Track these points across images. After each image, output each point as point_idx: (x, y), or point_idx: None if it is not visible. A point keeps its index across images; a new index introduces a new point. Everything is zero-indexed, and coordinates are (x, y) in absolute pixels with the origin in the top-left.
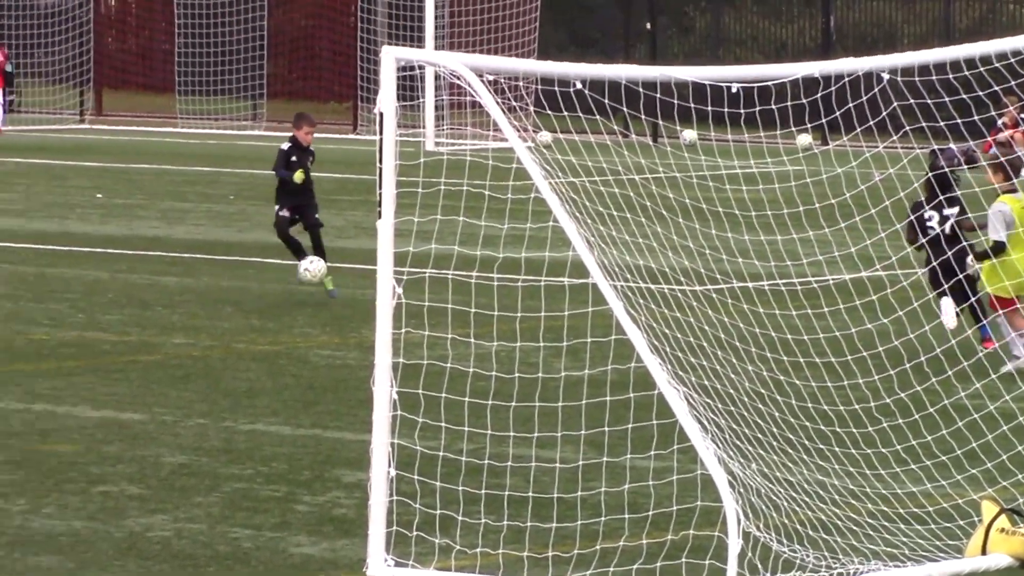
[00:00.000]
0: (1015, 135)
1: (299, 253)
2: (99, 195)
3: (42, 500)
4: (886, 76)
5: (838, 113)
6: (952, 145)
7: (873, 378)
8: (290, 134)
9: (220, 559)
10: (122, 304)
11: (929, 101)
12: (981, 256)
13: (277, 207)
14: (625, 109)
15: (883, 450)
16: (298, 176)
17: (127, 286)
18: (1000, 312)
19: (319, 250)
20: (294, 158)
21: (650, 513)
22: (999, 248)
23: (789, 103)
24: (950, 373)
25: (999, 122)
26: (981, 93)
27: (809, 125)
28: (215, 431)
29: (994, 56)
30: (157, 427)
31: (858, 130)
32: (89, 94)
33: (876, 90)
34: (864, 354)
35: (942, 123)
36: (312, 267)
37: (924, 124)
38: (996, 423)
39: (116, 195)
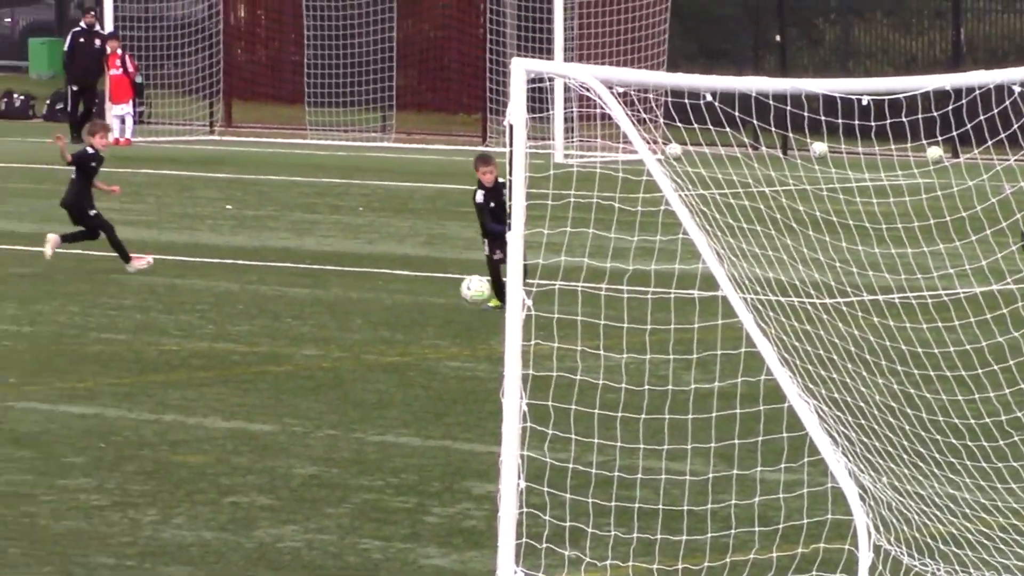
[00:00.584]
0: None
1: (500, 294)
2: (229, 206)
3: (173, 511)
4: (1017, 89)
5: (969, 126)
6: None
7: (1004, 391)
8: (416, 143)
9: (350, 570)
10: (252, 315)
11: None
12: None
13: (487, 251)
14: (755, 121)
15: (1015, 464)
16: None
17: (257, 297)
18: None
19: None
20: (492, 204)
21: (780, 526)
22: None
23: (920, 115)
24: None
25: None
26: None
27: (940, 138)
28: (345, 442)
29: None
30: (287, 438)
31: (989, 143)
32: (219, 105)
33: (1007, 103)
34: (995, 367)
35: None
36: (474, 285)
37: None
38: None
39: (246, 206)
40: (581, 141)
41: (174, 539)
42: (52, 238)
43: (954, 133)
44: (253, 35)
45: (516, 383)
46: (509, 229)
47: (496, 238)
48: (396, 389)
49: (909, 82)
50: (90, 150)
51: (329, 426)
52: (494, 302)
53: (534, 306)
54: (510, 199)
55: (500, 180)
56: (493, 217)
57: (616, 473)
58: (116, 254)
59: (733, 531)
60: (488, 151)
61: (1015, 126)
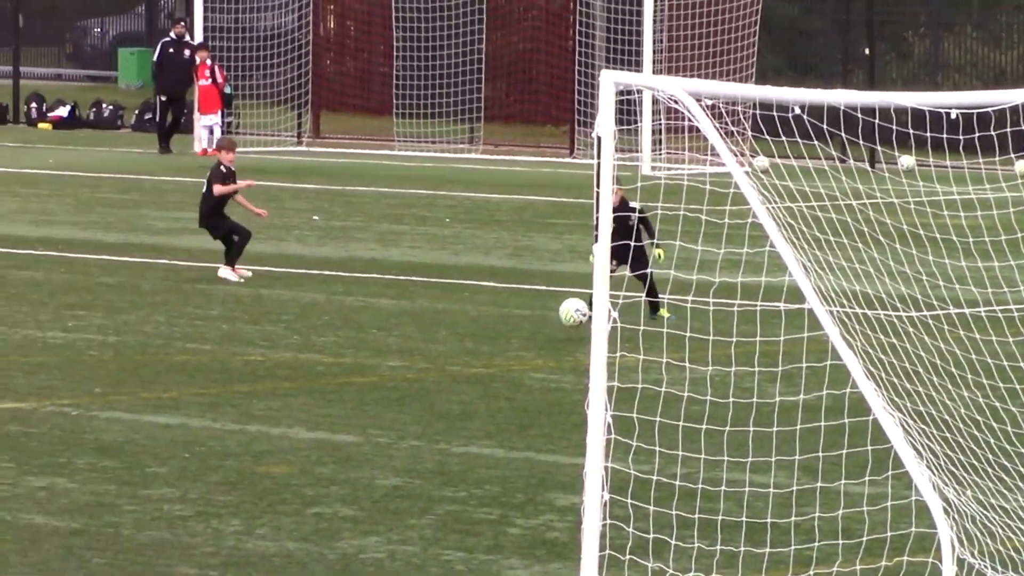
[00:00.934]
0: None
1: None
2: (316, 217)
3: (256, 521)
4: None
5: None
6: None
7: None
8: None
9: None
10: (337, 326)
11: None
12: None
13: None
14: (843, 134)
15: None
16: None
17: (342, 308)
18: None
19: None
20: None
21: (864, 539)
22: None
23: (1008, 129)
24: None
25: None
26: None
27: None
28: (429, 453)
29: None
30: (371, 449)
31: None
32: (307, 116)
33: None
34: None
35: None
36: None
37: None
38: None
39: (333, 217)
40: (669, 153)
41: (257, 549)
42: (226, 272)
43: None
44: (342, 46)
45: (601, 395)
46: (596, 241)
47: (622, 259)
48: (480, 401)
49: (998, 96)
50: (223, 168)
51: (413, 437)
52: (662, 311)
53: (620, 318)
54: (597, 212)
55: (631, 204)
56: (620, 236)
57: (700, 485)
58: (226, 259)
59: (816, 544)
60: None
61: None
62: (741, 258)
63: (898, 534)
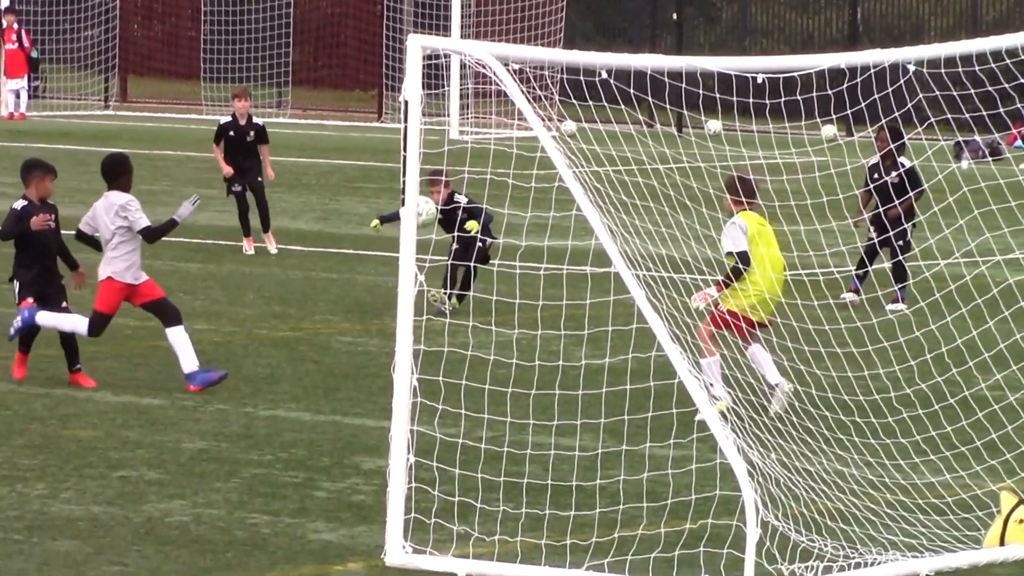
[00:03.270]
0: None
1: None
2: None
3: (61, 485)
4: (912, 68)
5: (863, 104)
6: (977, 137)
7: (894, 368)
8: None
9: (238, 545)
10: None
11: (955, 93)
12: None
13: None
14: (650, 99)
15: (903, 440)
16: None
17: (149, 272)
18: (721, 328)
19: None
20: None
21: (669, 502)
22: (744, 259)
23: (815, 94)
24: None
25: None
26: (1007, 85)
27: (834, 116)
28: (235, 417)
29: (1020, 49)
30: (177, 412)
31: (883, 121)
32: (114, 80)
33: (902, 81)
34: (885, 344)
35: (967, 115)
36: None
37: (949, 116)
38: (1016, 414)
39: (140, 181)
40: (476, 118)
41: (62, 513)
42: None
43: (848, 112)
44: (150, 10)
45: (407, 358)
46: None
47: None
48: (287, 364)
49: (804, 60)
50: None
51: (219, 401)
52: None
53: (427, 282)
54: (404, 176)
55: (457, 197)
56: (449, 229)
57: (506, 449)
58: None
59: (621, 507)
60: (436, 168)
61: (908, 105)
62: (548, 222)
63: (703, 497)
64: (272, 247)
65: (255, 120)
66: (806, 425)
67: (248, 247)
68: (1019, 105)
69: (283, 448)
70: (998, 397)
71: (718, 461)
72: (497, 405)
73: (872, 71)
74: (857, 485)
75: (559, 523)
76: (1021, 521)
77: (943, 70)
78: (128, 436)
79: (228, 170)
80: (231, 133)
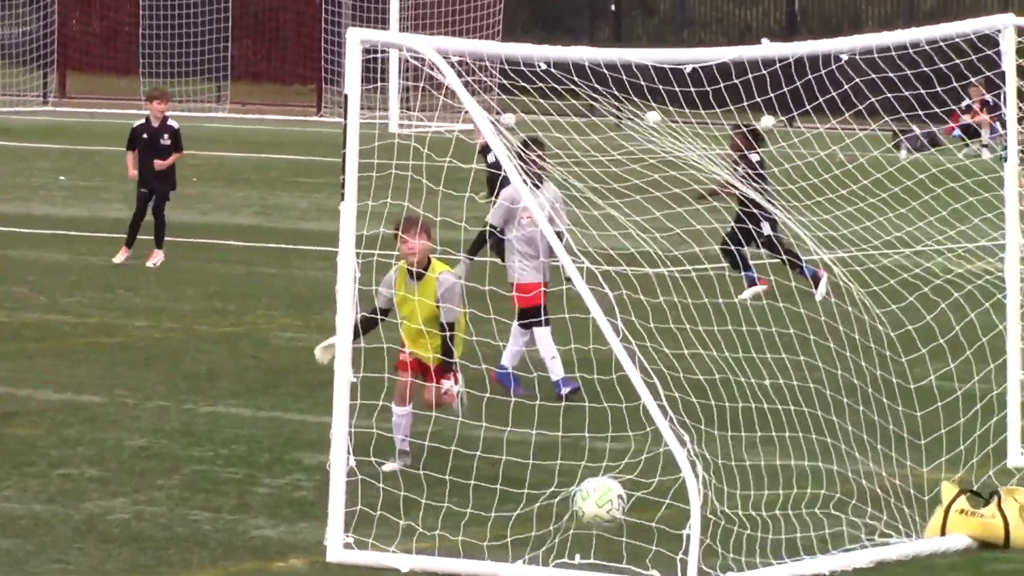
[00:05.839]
0: (982, 118)
1: None
2: (62, 177)
3: (2, 483)
4: (844, 57)
5: (798, 83)
6: (915, 128)
7: (835, 358)
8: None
9: (179, 541)
10: (84, 286)
11: (892, 75)
12: None
13: None
14: (590, 88)
15: (849, 428)
16: None
17: (89, 268)
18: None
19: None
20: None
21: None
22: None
23: (751, 76)
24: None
25: (963, 104)
26: (945, 65)
27: (768, 96)
28: (175, 413)
29: (956, 37)
30: (117, 409)
31: (807, 108)
32: (53, 76)
33: (834, 67)
34: (827, 333)
35: (904, 114)
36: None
37: (886, 116)
38: (957, 405)
39: (79, 177)
40: (417, 111)
41: (3, 511)
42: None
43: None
44: (88, 5)
45: (347, 354)
46: (342, 199)
47: None
48: (227, 360)
49: (732, 51)
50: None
51: (159, 397)
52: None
53: (365, 277)
54: (344, 171)
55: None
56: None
57: (453, 447)
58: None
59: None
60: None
61: (832, 93)
62: (487, 214)
63: (646, 489)
64: (154, 262)
65: (170, 123)
66: (749, 414)
67: (121, 256)
68: (961, 104)
69: (224, 444)
70: (942, 388)
71: (662, 450)
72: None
73: (807, 61)
74: (799, 475)
75: (501, 519)
76: (962, 511)
77: (876, 55)
78: (69, 434)
79: (133, 174)
80: (144, 136)
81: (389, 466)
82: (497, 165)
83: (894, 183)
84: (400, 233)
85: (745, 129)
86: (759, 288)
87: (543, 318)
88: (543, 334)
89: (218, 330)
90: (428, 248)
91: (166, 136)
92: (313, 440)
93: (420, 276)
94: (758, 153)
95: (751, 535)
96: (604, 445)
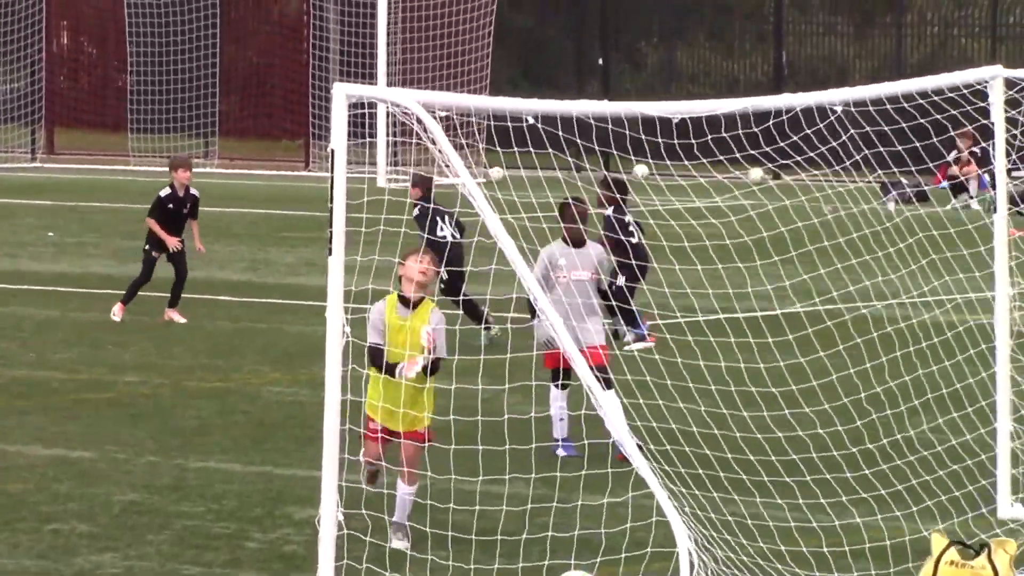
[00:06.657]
0: (969, 169)
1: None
2: (51, 233)
3: None
4: (838, 110)
5: (789, 145)
6: (904, 181)
7: (823, 408)
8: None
9: None
10: (73, 342)
11: (885, 128)
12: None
13: None
14: (578, 141)
15: (829, 477)
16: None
17: (78, 324)
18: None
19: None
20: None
21: (599, 558)
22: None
23: (741, 130)
24: (908, 408)
25: (951, 156)
26: (934, 134)
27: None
28: (166, 468)
29: (946, 89)
30: (108, 465)
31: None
32: (41, 132)
33: (823, 124)
34: (813, 384)
35: (893, 170)
36: None
37: (882, 149)
38: (944, 458)
39: (68, 233)
40: (403, 166)
41: None
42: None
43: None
44: (76, 62)
45: (335, 408)
46: (330, 254)
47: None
48: (217, 415)
49: (722, 104)
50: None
51: (150, 453)
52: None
53: (354, 332)
54: (331, 225)
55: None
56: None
57: (428, 502)
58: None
59: (547, 562)
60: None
61: (822, 147)
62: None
63: (636, 548)
64: (178, 317)
65: (192, 192)
66: (735, 467)
67: (117, 314)
68: (954, 155)
69: (214, 499)
70: (928, 441)
71: (652, 502)
72: (430, 453)
73: (799, 112)
74: (788, 526)
75: (486, 573)
76: (952, 563)
77: (871, 107)
78: (59, 489)
79: (175, 241)
80: (170, 206)
81: (396, 543)
82: (420, 219)
83: (883, 235)
84: (417, 256)
85: (609, 179)
86: (649, 344)
87: (560, 381)
88: (555, 395)
89: (208, 385)
90: (436, 274)
91: (188, 205)
92: (303, 495)
93: (415, 305)
94: (623, 203)
95: None
96: (592, 502)
